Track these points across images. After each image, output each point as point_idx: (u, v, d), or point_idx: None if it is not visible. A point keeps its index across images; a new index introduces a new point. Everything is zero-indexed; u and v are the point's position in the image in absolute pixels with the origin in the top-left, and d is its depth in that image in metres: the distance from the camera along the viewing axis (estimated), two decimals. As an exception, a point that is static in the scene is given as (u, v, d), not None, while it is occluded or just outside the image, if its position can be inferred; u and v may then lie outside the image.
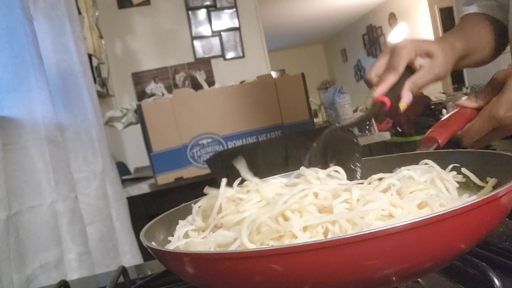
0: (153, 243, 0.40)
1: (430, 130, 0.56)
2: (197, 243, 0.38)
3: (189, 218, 0.48)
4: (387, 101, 0.57)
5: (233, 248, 0.35)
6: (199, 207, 0.46)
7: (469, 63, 0.74)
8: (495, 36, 0.76)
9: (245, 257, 0.29)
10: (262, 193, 0.41)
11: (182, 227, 0.45)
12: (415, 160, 0.51)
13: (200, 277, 0.33)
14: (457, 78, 4.57)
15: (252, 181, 0.47)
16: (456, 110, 0.59)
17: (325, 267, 0.28)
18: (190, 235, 0.43)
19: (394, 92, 0.58)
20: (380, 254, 0.28)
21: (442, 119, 0.58)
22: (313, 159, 0.54)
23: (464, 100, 0.59)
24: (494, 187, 0.42)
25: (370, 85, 0.61)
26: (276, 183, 0.49)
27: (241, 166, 0.49)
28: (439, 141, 0.53)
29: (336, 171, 0.50)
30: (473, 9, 0.79)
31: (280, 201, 0.36)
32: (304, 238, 0.33)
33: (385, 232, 0.27)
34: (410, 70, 0.60)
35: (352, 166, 0.51)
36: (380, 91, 0.57)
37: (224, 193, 0.43)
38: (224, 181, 0.45)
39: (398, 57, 0.59)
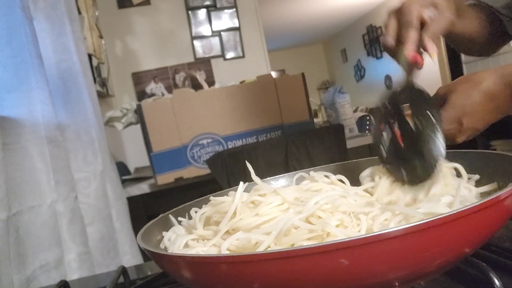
0: (162, 247, 0.40)
1: None
2: (207, 251, 0.38)
3: (181, 226, 0.46)
4: (420, 59, 0.54)
5: (261, 250, 0.34)
6: (202, 214, 0.44)
7: (465, 30, 0.73)
8: (490, 26, 0.76)
9: (247, 261, 0.28)
10: (284, 196, 0.40)
11: (182, 236, 0.42)
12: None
13: (206, 281, 0.33)
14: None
15: (263, 185, 0.46)
16: None
17: (327, 270, 0.28)
18: (191, 245, 0.41)
19: (417, 49, 0.56)
20: (384, 257, 0.28)
21: None
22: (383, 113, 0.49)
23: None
24: (499, 188, 0.42)
25: (391, 50, 0.59)
26: (292, 187, 0.47)
27: (251, 169, 0.48)
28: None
29: (340, 180, 0.50)
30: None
31: (311, 202, 0.36)
32: (340, 235, 0.32)
33: (388, 235, 0.27)
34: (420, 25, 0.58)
35: (429, 113, 0.47)
36: (410, 49, 0.55)
37: (240, 197, 0.41)
38: (242, 185, 0.44)
39: (410, 14, 0.57)
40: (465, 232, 0.30)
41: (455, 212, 0.28)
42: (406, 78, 0.52)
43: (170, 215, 0.49)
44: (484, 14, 0.77)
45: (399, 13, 0.59)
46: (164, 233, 0.46)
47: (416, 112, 0.47)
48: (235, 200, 0.40)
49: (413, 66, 0.53)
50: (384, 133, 0.48)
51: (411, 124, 0.46)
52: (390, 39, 0.58)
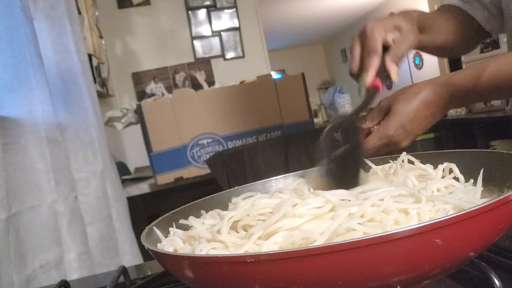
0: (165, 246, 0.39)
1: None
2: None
3: (194, 231, 0.42)
4: (379, 83, 0.59)
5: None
6: (230, 217, 0.40)
7: (433, 42, 0.76)
8: (464, 28, 0.78)
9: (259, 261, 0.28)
10: (329, 198, 0.38)
11: (200, 245, 0.38)
12: (419, 159, 0.51)
13: (211, 281, 0.33)
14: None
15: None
16: None
17: (330, 271, 0.28)
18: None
19: (380, 74, 0.61)
20: (388, 258, 0.28)
21: None
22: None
23: (366, 124, 0.66)
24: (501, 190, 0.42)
25: (356, 77, 0.64)
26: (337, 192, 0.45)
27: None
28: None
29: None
30: (453, 1, 0.80)
31: (368, 203, 0.35)
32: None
33: (393, 237, 0.27)
34: (383, 48, 0.63)
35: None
36: (370, 77, 0.60)
37: (288, 200, 0.38)
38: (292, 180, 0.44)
39: (372, 39, 0.62)
40: (472, 233, 0.29)
41: (464, 212, 0.28)
42: (359, 105, 0.57)
43: (172, 219, 0.49)
44: (454, 17, 0.78)
45: (364, 38, 0.63)
46: (159, 244, 0.44)
47: (345, 142, 0.54)
48: (285, 201, 0.38)
49: (374, 90, 0.59)
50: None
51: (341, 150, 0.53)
52: (354, 67, 0.64)
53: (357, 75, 0.64)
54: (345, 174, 0.50)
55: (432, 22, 0.76)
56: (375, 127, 0.63)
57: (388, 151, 0.62)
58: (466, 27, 0.78)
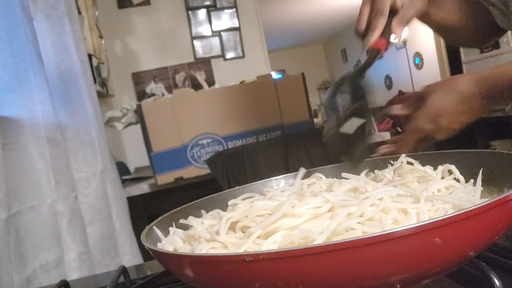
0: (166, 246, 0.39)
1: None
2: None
3: (193, 232, 0.42)
4: (382, 45, 0.60)
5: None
6: (228, 218, 0.40)
7: (442, 18, 0.76)
8: (476, 14, 0.77)
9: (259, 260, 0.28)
10: (328, 197, 0.38)
11: (200, 245, 0.38)
12: (418, 160, 0.51)
13: (211, 280, 0.32)
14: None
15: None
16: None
17: (329, 270, 0.28)
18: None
19: (386, 35, 0.62)
20: (388, 258, 0.28)
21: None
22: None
23: (396, 109, 0.67)
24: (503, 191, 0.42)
25: (362, 36, 0.65)
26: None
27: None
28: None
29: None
30: None
31: (367, 203, 0.35)
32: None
33: (392, 236, 0.27)
34: (391, 12, 0.64)
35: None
36: (374, 37, 0.61)
37: (288, 201, 0.38)
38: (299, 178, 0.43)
39: (381, 1, 0.62)
40: (472, 232, 0.29)
41: (463, 211, 0.28)
42: (361, 64, 0.58)
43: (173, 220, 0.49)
44: (467, 4, 0.78)
45: (373, 0, 0.64)
46: (159, 244, 0.43)
47: (353, 102, 0.55)
48: (284, 202, 0.38)
49: (375, 52, 0.60)
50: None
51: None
52: (361, 27, 0.65)
53: (363, 35, 0.64)
54: (351, 140, 0.51)
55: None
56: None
57: (424, 144, 0.62)
58: (478, 16, 0.77)
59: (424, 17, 0.73)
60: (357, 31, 0.65)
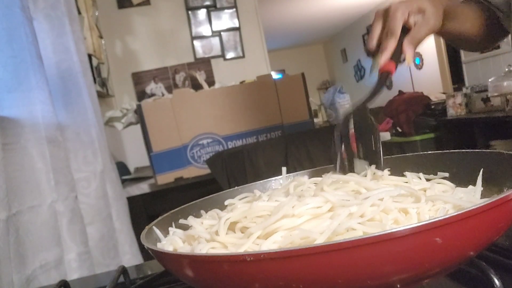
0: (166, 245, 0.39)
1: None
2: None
3: (193, 231, 0.42)
4: (392, 67, 0.58)
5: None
6: (227, 219, 0.40)
7: (457, 29, 0.76)
8: (485, 19, 0.78)
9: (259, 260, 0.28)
10: (328, 197, 0.38)
11: (200, 245, 0.38)
12: (415, 162, 0.51)
13: (211, 280, 0.32)
14: (457, 78, 4.58)
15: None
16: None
17: (330, 270, 0.28)
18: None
19: (396, 56, 0.60)
20: (388, 257, 0.28)
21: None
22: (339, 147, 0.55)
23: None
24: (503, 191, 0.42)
25: (372, 55, 0.63)
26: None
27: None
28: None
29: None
30: None
31: (367, 203, 0.35)
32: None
33: (393, 236, 0.27)
34: (404, 29, 0.62)
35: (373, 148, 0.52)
36: (384, 59, 0.59)
37: (288, 201, 0.38)
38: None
39: (394, 21, 0.61)
40: (472, 232, 0.29)
41: (463, 211, 0.28)
42: (372, 88, 0.57)
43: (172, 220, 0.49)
44: (480, 10, 0.78)
45: (385, 17, 0.63)
46: (159, 244, 0.44)
47: (359, 138, 0.53)
48: (284, 203, 0.38)
49: (385, 75, 0.58)
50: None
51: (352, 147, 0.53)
52: (372, 45, 0.63)
53: (374, 53, 0.63)
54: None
55: (458, 10, 0.76)
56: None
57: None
58: (489, 22, 0.77)
59: (439, 32, 0.71)
60: (368, 49, 0.64)
